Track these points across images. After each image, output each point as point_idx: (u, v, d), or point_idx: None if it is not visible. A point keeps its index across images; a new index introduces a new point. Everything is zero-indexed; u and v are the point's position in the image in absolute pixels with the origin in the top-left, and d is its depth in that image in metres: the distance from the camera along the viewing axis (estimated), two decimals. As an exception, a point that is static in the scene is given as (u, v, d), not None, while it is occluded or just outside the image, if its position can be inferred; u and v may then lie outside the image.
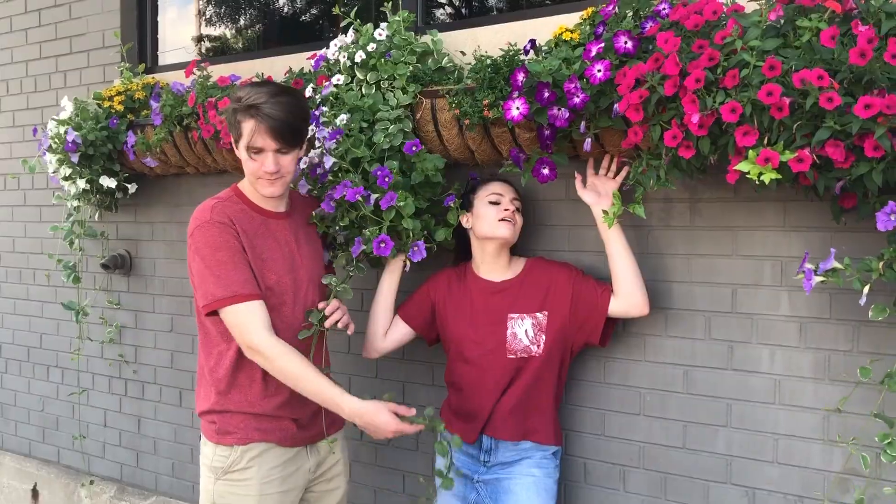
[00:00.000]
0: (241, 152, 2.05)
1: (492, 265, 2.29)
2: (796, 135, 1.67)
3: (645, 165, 1.92)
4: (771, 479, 2.10)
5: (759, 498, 2.12)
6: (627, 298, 2.13)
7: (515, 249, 2.34)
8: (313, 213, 2.27)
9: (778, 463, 2.09)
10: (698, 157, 1.82)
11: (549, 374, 2.23)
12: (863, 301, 1.74)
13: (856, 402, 1.99)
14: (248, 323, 1.98)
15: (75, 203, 3.31)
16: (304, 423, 2.15)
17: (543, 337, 2.20)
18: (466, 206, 2.30)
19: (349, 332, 2.21)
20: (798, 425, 2.06)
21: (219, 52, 3.51)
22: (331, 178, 2.29)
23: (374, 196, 2.18)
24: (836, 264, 1.76)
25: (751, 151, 1.70)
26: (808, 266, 1.78)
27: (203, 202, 2.09)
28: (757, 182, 1.70)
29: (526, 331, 2.21)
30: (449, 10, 2.96)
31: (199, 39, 3.56)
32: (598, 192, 2.18)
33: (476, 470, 2.28)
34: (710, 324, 2.17)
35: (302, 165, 2.37)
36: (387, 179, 2.18)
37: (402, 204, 2.17)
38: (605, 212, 2.02)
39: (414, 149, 2.21)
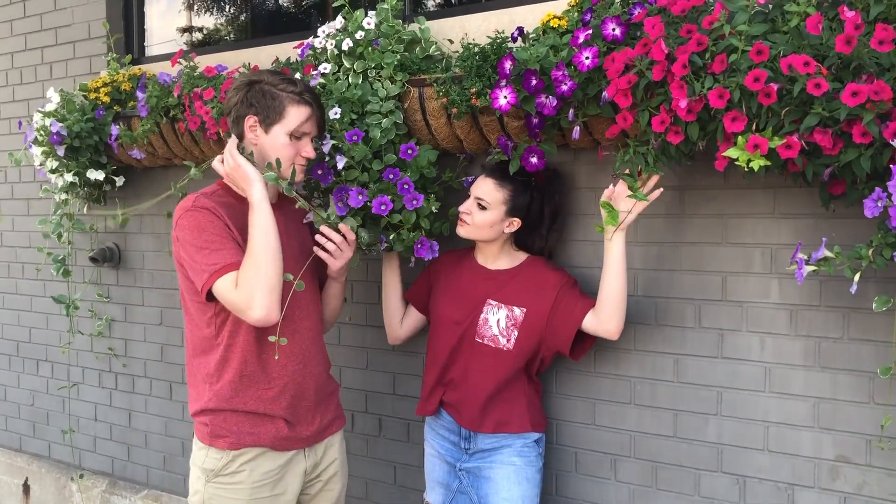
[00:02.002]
0: (275, 136, 2.02)
1: (485, 254, 2.28)
2: (785, 121, 1.66)
3: (632, 153, 1.90)
4: (762, 467, 2.10)
5: (750, 486, 2.11)
6: (602, 321, 2.09)
7: (523, 243, 2.27)
8: (306, 220, 2.24)
9: (769, 451, 2.09)
10: (687, 143, 1.81)
11: (520, 373, 2.22)
12: (853, 289, 1.73)
13: (846, 389, 1.98)
14: (241, 296, 1.89)
15: (63, 196, 3.28)
16: (297, 424, 2.10)
17: (516, 333, 2.18)
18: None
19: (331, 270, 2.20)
20: (789, 413, 2.06)
21: (206, 42, 3.48)
22: (336, 178, 2.26)
23: (391, 199, 2.18)
24: (828, 253, 1.75)
25: (739, 137, 1.68)
26: (801, 256, 1.77)
27: (186, 196, 2.06)
28: (745, 169, 1.69)
29: (498, 320, 2.19)
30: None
31: (186, 30, 3.53)
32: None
33: (459, 458, 2.27)
34: (700, 312, 2.16)
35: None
36: (406, 187, 2.18)
37: (427, 206, 2.20)
38: (597, 226, 2.04)
39: (409, 152, 2.21)
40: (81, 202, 3.37)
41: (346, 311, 2.80)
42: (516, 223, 2.19)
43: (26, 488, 3.94)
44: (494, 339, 2.20)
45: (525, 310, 2.18)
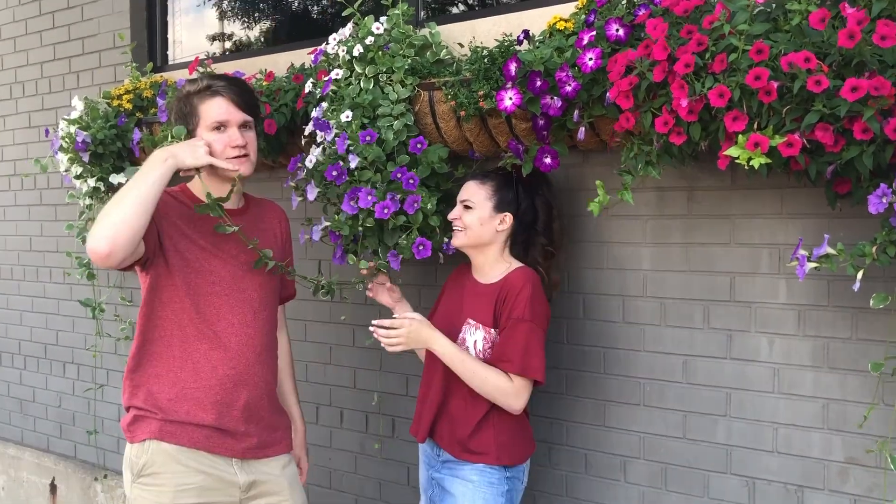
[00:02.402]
0: (202, 137, 2.00)
1: (481, 266, 2.19)
2: (786, 119, 1.66)
3: (636, 151, 1.91)
4: (771, 468, 2.08)
5: (759, 487, 2.10)
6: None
7: (526, 249, 2.18)
8: (278, 262, 2.12)
9: (778, 452, 2.08)
10: (689, 143, 1.81)
11: None
12: (856, 287, 1.72)
13: (855, 390, 1.97)
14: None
15: (88, 201, 3.37)
16: (229, 428, 2.02)
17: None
18: None
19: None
20: (798, 414, 2.05)
21: (228, 49, 3.54)
22: (350, 178, 2.28)
23: (396, 200, 2.20)
24: (830, 250, 1.74)
25: (740, 136, 1.69)
26: (802, 252, 1.76)
27: None
28: (746, 167, 1.69)
29: (476, 342, 2.09)
30: (447, 2, 2.96)
31: (213, 38, 3.60)
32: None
33: (433, 465, 2.21)
34: (709, 313, 2.16)
35: (308, 164, 2.39)
36: (412, 182, 2.19)
37: (428, 206, 2.20)
38: (590, 200, 1.99)
39: (419, 146, 2.23)
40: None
41: (346, 310, 2.83)
42: (508, 219, 2.12)
43: (53, 488, 4.02)
44: None
45: (496, 331, 2.10)
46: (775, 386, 2.07)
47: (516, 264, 2.15)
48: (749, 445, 2.11)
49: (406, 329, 2.07)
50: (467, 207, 2.14)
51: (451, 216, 2.17)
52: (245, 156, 2.03)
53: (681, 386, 2.21)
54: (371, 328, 2.10)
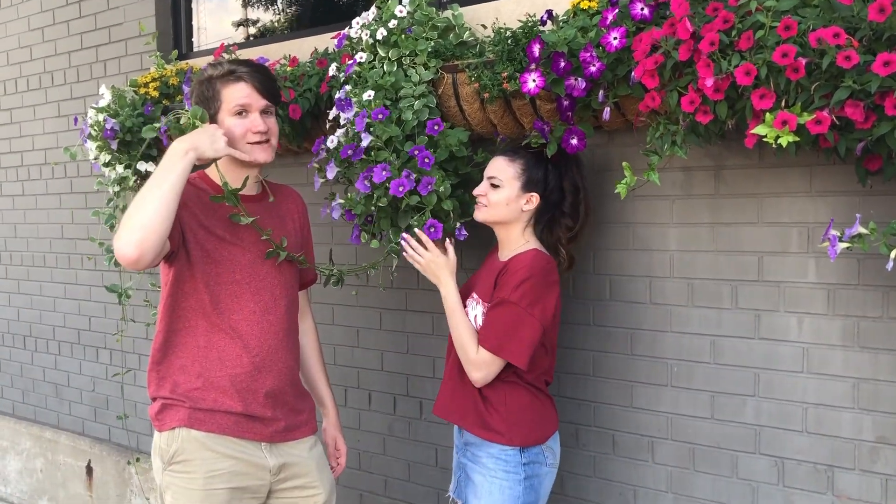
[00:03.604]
0: (222, 122, 2.01)
1: (504, 244, 2.17)
2: (814, 96, 1.64)
3: (662, 130, 1.90)
4: (800, 448, 2.08)
5: (789, 468, 2.09)
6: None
7: (550, 230, 2.15)
8: (293, 254, 2.15)
9: (807, 432, 2.06)
10: (716, 122, 1.79)
11: (504, 376, 2.05)
12: (890, 266, 1.70)
13: (887, 369, 1.95)
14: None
15: (116, 188, 3.41)
16: (256, 414, 2.04)
17: None
18: None
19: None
20: (827, 394, 2.03)
21: (253, 35, 3.56)
22: (364, 157, 2.30)
23: (412, 179, 2.20)
24: (862, 229, 1.72)
25: (768, 114, 1.67)
26: (834, 232, 1.74)
27: None
28: (774, 146, 1.67)
29: (476, 316, 2.08)
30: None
31: (237, 25, 3.62)
32: None
33: (459, 448, 2.20)
34: (737, 292, 2.14)
35: (330, 145, 2.40)
36: (427, 161, 2.19)
37: (441, 189, 2.19)
38: (617, 182, 1.97)
39: (436, 128, 2.22)
40: (133, 194, 3.48)
41: (410, 319, 2.85)
42: (535, 199, 2.08)
43: (89, 470, 4.11)
44: None
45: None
46: (804, 366, 2.06)
47: (531, 245, 2.11)
48: (778, 425, 2.10)
49: (431, 255, 2.11)
50: (494, 185, 2.10)
51: (476, 191, 2.14)
52: (266, 142, 2.04)
53: (709, 366, 2.20)
54: (403, 235, 2.14)
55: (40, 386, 4.41)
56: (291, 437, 2.13)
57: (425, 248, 2.13)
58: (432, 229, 2.18)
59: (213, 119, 2.02)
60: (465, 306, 2.11)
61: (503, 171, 2.10)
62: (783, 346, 2.09)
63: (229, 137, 1.97)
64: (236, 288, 2.04)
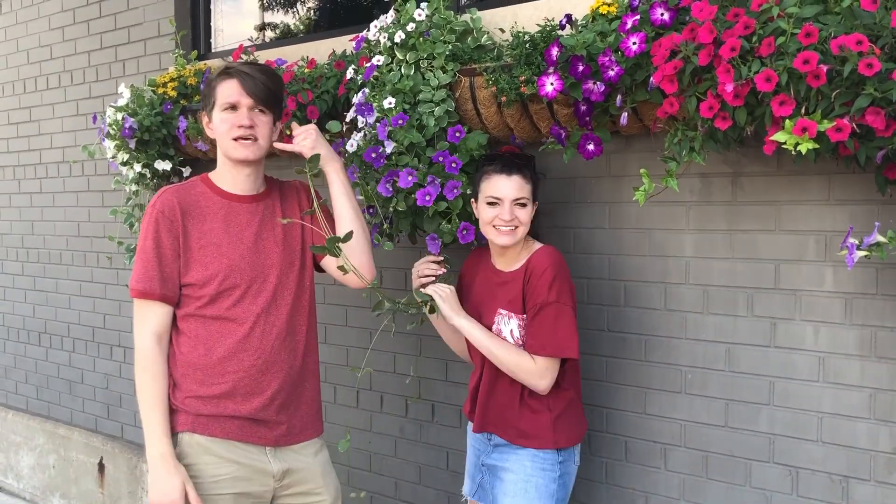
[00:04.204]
0: (215, 120, 2.07)
1: (499, 257, 2.20)
2: (835, 103, 1.63)
3: (680, 136, 1.89)
4: (815, 458, 2.06)
5: (803, 477, 2.08)
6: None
7: (538, 231, 2.21)
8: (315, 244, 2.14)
9: (822, 442, 2.05)
10: (734, 128, 1.79)
11: None
12: (909, 275, 1.69)
13: (904, 380, 1.93)
14: (139, 318, 2.03)
15: (133, 187, 3.43)
16: (261, 418, 2.06)
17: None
18: (474, 189, 2.18)
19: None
20: (843, 404, 2.01)
21: (271, 37, 3.58)
22: (385, 162, 2.30)
23: (437, 184, 2.21)
24: (880, 238, 1.71)
25: (787, 121, 1.66)
26: (852, 241, 1.73)
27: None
28: (794, 153, 1.66)
29: (511, 330, 2.10)
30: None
31: (256, 27, 3.64)
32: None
33: (483, 450, 2.22)
34: (753, 300, 2.13)
35: (349, 149, 2.41)
36: (455, 165, 2.20)
37: (468, 192, 2.21)
38: (635, 188, 1.97)
39: (457, 135, 2.23)
40: (151, 192, 3.51)
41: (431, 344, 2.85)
42: (535, 207, 2.15)
43: (101, 467, 4.13)
44: None
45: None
46: (820, 375, 2.04)
47: (535, 245, 2.16)
48: (793, 435, 2.09)
49: (444, 295, 2.14)
50: (522, 205, 2.09)
51: (502, 218, 2.07)
52: (249, 138, 2.05)
53: (723, 374, 2.19)
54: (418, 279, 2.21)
55: (54, 382, 4.44)
56: (295, 440, 2.13)
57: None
58: (465, 232, 2.23)
59: (211, 118, 2.09)
60: (485, 326, 2.15)
61: (525, 190, 2.10)
62: (799, 355, 2.07)
63: (216, 133, 2.08)
64: (236, 291, 2.05)
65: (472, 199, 2.21)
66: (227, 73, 2.07)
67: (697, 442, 2.24)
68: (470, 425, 2.29)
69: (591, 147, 2.12)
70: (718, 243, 2.18)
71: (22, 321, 4.61)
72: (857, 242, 1.72)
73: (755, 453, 2.15)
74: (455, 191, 2.20)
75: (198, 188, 2.11)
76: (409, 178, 2.20)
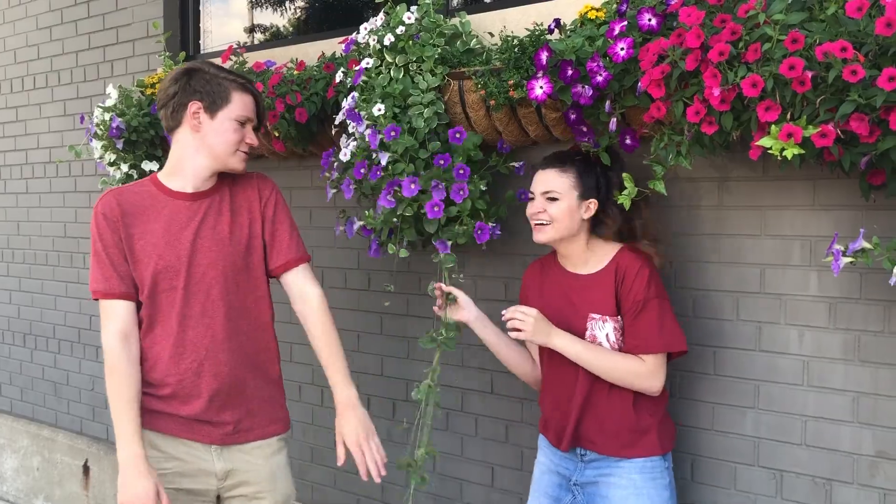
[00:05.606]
0: (221, 122, 2.07)
1: (572, 257, 2.11)
2: (820, 109, 1.64)
3: (667, 141, 1.91)
4: (799, 461, 2.07)
5: (787, 480, 2.09)
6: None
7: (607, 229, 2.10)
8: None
9: (806, 445, 2.06)
10: (721, 133, 1.80)
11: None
12: (893, 281, 1.70)
13: (887, 383, 1.95)
14: (104, 319, 2.04)
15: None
16: (202, 418, 2.07)
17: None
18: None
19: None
20: (827, 407, 2.03)
21: (260, 39, 3.57)
22: (384, 173, 2.29)
23: (441, 189, 2.22)
24: (865, 244, 1.73)
25: (773, 127, 1.67)
26: (837, 247, 1.75)
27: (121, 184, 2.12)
28: (779, 158, 1.67)
29: (607, 334, 2.03)
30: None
31: (245, 28, 3.63)
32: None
33: (573, 469, 2.11)
34: (739, 304, 2.15)
35: (343, 158, 2.40)
36: (462, 172, 2.20)
37: (481, 187, 2.23)
38: (618, 194, 1.97)
39: (458, 136, 2.23)
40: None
41: (384, 297, 2.85)
42: (593, 205, 2.05)
43: (86, 469, 4.10)
44: None
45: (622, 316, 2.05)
46: (805, 379, 2.06)
47: (617, 246, 2.08)
48: (777, 438, 2.10)
49: (533, 318, 2.00)
50: (552, 199, 2.05)
51: (531, 211, 2.08)
52: (249, 154, 2.16)
53: (710, 377, 2.20)
54: (504, 312, 2.03)
55: (39, 384, 4.41)
56: (243, 438, 2.12)
57: (525, 315, 2.01)
58: (480, 232, 2.23)
59: (212, 114, 2.07)
60: (574, 333, 2.05)
61: (559, 184, 2.05)
62: (784, 359, 2.09)
63: (224, 141, 2.08)
64: (174, 293, 2.06)
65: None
66: (244, 87, 2.11)
67: (685, 445, 2.25)
68: (547, 444, 2.21)
69: (628, 140, 2.09)
70: (705, 247, 2.20)
71: (7, 322, 4.58)
72: (842, 249, 1.74)
73: (740, 456, 2.16)
74: (462, 192, 2.20)
75: (144, 187, 2.12)
76: (413, 186, 2.20)
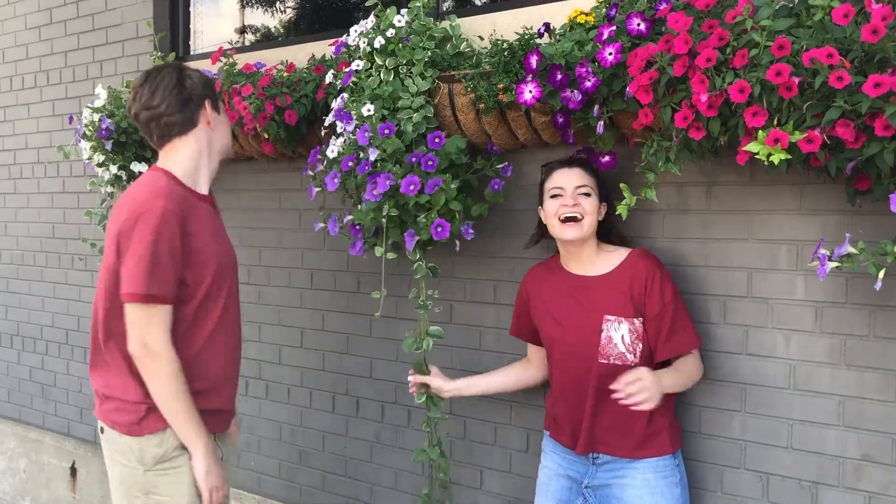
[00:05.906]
0: (222, 116, 2.22)
1: (577, 261, 2.14)
2: (806, 115, 1.66)
3: (656, 147, 1.91)
4: (785, 464, 2.09)
5: (773, 483, 2.10)
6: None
7: (605, 235, 2.18)
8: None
9: (792, 448, 2.08)
10: (709, 138, 1.81)
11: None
12: (878, 286, 1.72)
13: (872, 387, 1.96)
14: (155, 325, 1.95)
15: (109, 189, 3.40)
16: (229, 405, 2.22)
17: (640, 346, 2.05)
18: (539, 198, 2.20)
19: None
20: (813, 411, 2.04)
21: (251, 40, 3.57)
22: (372, 170, 2.29)
23: (416, 181, 2.21)
24: (851, 249, 1.74)
25: (760, 132, 1.69)
26: (823, 252, 1.76)
27: (155, 181, 2.04)
28: (766, 163, 1.69)
29: (623, 336, 2.04)
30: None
31: (235, 29, 3.63)
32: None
33: (584, 472, 2.14)
34: (726, 308, 2.16)
35: (330, 154, 2.40)
36: (430, 164, 2.20)
37: (452, 186, 2.22)
38: (617, 202, 1.99)
39: (437, 140, 2.23)
40: (127, 195, 3.48)
41: (373, 303, 2.85)
42: (603, 209, 2.13)
43: (73, 471, 4.08)
44: (622, 356, 2.04)
45: (642, 318, 2.06)
46: (791, 382, 2.07)
47: (619, 248, 2.14)
48: (764, 441, 2.11)
49: (646, 379, 1.90)
50: (586, 194, 2.08)
51: (564, 205, 2.06)
52: None
53: (697, 381, 2.21)
54: (620, 394, 1.91)
55: (26, 385, 4.39)
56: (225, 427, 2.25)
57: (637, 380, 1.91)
58: (439, 229, 2.21)
59: (218, 110, 2.20)
60: (586, 335, 2.08)
61: (589, 180, 2.10)
62: (770, 363, 2.10)
63: (227, 135, 2.23)
64: (228, 296, 2.17)
65: (539, 207, 2.20)
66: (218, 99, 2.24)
67: (671, 448, 2.26)
68: (551, 445, 2.24)
69: (605, 159, 2.19)
70: (692, 251, 2.21)
71: (-6, 323, 4.56)
72: (828, 253, 1.75)
73: (727, 459, 2.17)
74: (434, 187, 2.19)
75: (180, 189, 2.07)
76: (387, 182, 2.20)
